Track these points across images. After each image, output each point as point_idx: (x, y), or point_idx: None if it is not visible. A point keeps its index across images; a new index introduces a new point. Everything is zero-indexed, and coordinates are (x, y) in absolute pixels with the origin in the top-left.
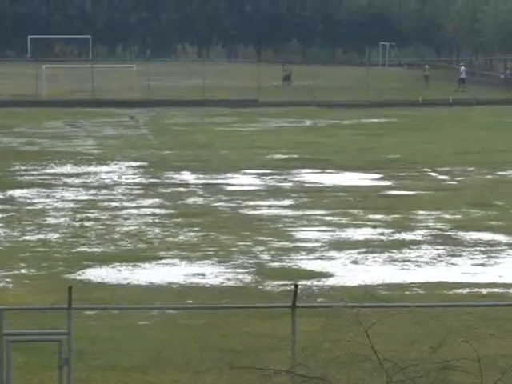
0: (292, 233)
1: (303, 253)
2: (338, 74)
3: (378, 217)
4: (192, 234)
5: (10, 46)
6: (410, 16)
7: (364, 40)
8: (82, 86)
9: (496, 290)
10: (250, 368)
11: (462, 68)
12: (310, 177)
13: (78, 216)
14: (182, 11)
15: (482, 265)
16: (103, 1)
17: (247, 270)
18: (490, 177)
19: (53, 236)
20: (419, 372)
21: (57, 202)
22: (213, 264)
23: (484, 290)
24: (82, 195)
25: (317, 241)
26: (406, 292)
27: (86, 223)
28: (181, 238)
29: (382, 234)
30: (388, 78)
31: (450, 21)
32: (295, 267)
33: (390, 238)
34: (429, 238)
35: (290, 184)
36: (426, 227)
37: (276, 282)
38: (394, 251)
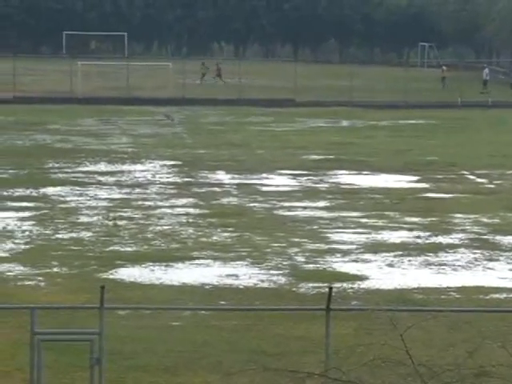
0: (327, 234)
1: (338, 255)
2: (376, 75)
3: (414, 219)
4: (226, 234)
5: (45, 42)
6: (450, 16)
7: (403, 40)
8: (116, 84)
9: None
10: (283, 370)
11: (486, 70)
12: (346, 178)
13: (111, 215)
14: (219, 9)
15: None
16: None
17: (281, 272)
18: None
19: (85, 234)
20: (454, 377)
21: (90, 200)
22: (246, 265)
23: None
24: (116, 194)
25: (352, 243)
26: (442, 296)
27: (119, 222)
28: (214, 238)
29: (418, 236)
30: (426, 79)
31: (490, 21)
32: (330, 269)
33: (427, 242)
34: (466, 241)
35: (326, 185)
36: (463, 231)
37: (310, 284)
38: (431, 255)
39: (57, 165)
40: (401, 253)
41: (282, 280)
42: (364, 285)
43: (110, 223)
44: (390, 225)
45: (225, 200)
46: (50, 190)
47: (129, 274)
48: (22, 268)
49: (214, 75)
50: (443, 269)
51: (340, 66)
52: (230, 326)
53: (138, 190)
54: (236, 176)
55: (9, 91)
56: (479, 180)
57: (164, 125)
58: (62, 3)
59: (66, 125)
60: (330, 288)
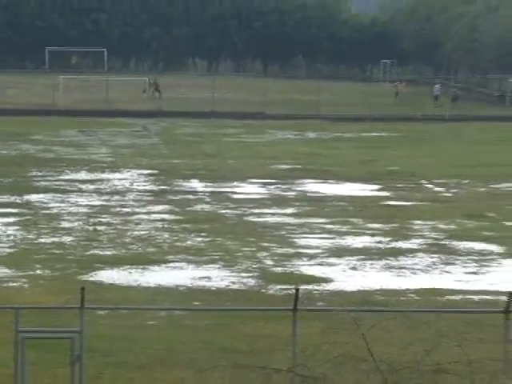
0: (294, 240)
1: (305, 259)
2: (342, 90)
3: (376, 226)
4: (199, 239)
5: (28, 57)
6: (411, 35)
7: (366, 57)
8: (96, 97)
9: (487, 297)
10: (252, 367)
11: (437, 86)
12: (313, 187)
13: (91, 220)
14: (194, 27)
15: (475, 273)
16: (118, 16)
17: (251, 275)
18: (483, 189)
19: (67, 239)
20: (413, 374)
21: (71, 206)
22: (218, 268)
23: (476, 297)
24: (95, 200)
25: (318, 247)
26: (402, 298)
27: (99, 227)
28: (188, 242)
29: (379, 242)
30: (388, 94)
31: (448, 39)
32: (297, 272)
33: (387, 246)
34: (424, 246)
35: (294, 193)
36: (422, 236)
37: (278, 286)
38: (391, 259)
39: (40, 173)
40: (363, 257)
41: (252, 282)
42: (329, 287)
43: (90, 228)
44: (353, 230)
45: (198, 207)
46: (34, 197)
47: (108, 276)
48: (6, 270)
49: (152, 90)
50: (403, 272)
51: (307, 82)
52: (202, 326)
53: (116, 197)
54: (209, 184)
55: None
56: (437, 189)
57: (141, 136)
58: (45, 21)
59: (49, 135)
60: (297, 290)
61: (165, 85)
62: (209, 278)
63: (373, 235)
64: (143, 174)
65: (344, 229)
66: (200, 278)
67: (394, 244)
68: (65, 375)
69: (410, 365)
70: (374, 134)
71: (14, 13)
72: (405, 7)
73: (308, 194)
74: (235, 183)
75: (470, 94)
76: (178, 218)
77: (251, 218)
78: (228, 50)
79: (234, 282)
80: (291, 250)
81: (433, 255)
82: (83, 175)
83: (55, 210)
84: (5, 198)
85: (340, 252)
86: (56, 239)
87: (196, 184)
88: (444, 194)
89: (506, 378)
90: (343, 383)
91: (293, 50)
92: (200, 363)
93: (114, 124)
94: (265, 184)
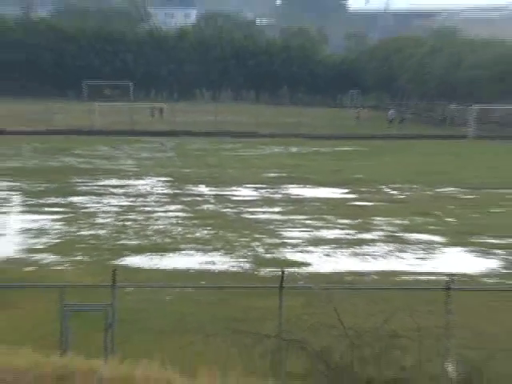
0: (280, 232)
1: (288, 247)
2: (318, 114)
3: (345, 221)
4: (205, 232)
5: (70, 88)
6: (373, 71)
7: (337, 88)
8: (124, 120)
9: (433, 277)
10: (248, 333)
11: (391, 111)
12: (295, 190)
13: (120, 217)
14: (201, 65)
15: (423, 258)
16: (141, 56)
17: (246, 260)
18: (429, 192)
19: (101, 232)
20: (374, 338)
21: (104, 206)
22: (221, 255)
23: (423, 278)
24: (124, 202)
25: (299, 238)
26: (365, 278)
27: (126, 222)
28: (197, 234)
29: (348, 234)
30: (353, 118)
31: (403, 73)
32: (283, 258)
33: (354, 238)
34: (383, 237)
35: (280, 195)
36: (381, 230)
37: (268, 269)
38: (357, 247)
39: (80, 180)
40: (335, 246)
41: (247, 266)
42: (308, 269)
43: (119, 223)
44: (327, 225)
45: (205, 206)
46: (75, 199)
47: (133, 261)
48: (53, 257)
49: (157, 113)
50: (366, 258)
51: (291, 108)
52: (208, 300)
53: (140, 199)
54: (213, 189)
55: (43, 125)
56: (393, 192)
57: (159, 150)
58: (83, 60)
59: (87, 150)
60: (283, 272)
61: (178, 110)
62: (213, 263)
63: (342, 229)
64: (161, 181)
65: (319, 224)
66: (206, 263)
67: (359, 236)
68: (100, 340)
69: (371, 331)
70: (343, 149)
71: (58, 53)
72: (367, 49)
73: (291, 196)
74: (233, 188)
75: (419, 117)
76: (188, 215)
77: (246, 215)
78: (228, 83)
79: (233, 266)
80: (278, 241)
81: (389, 244)
82: (114, 181)
83: (92, 209)
84: (52, 200)
85: (316, 242)
86: (93, 232)
87: (203, 188)
88: (398, 197)
89: (448, 342)
90: (319, 345)
91: (280, 82)
92: (206, 330)
93: (138, 141)
94: (257, 188)
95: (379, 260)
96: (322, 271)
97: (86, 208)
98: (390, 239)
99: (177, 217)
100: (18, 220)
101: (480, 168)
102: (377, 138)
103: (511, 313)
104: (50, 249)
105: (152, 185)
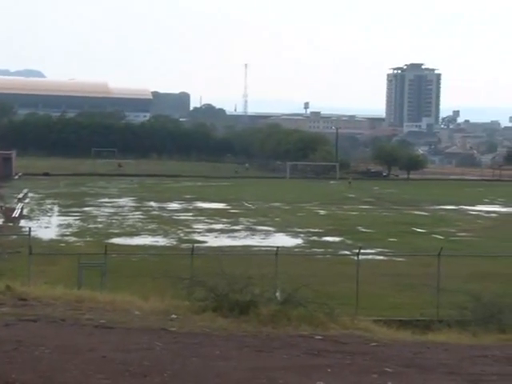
0: (192, 225)
1: (196, 233)
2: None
3: (225, 220)
4: (153, 225)
5: (86, 152)
6: (240, 144)
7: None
8: (113, 168)
9: (269, 248)
10: (175, 277)
11: (246, 165)
12: (201, 205)
13: (109, 218)
14: (151, 139)
15: (264, 239)
16: (121, 136)
17: (174, 239)
18: (266, 205)
19: (99, 225)
20: (240, 279)
21: (101, 213)
22: (162, 237)
23: (264, 248)
24: (111, 210)
25: (201, 229)
26: (238, 249)
27: (113, 221)
28: (149, 227)
29: (226, 226)
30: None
31: (254, 144)
32: (193, 239)
33: (230, 228)
34: (244, 228)
35: (191, 207)
36: (243, 224)
37: (185, 245)
38: (231, 233)
39: (88, 199)
40: (220, 233)
41: (174, 242)
42: (205, 245)
43: (108, 221)
44: (215, 222)
45: (154, 212)
46: (86, 209)
47: (117, 241)
48: (74, 238)
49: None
50: (236, 238)
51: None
52: (155, 260)
53: (120, 209)
54: (158, 203)
55: (70, 171)
56: (249, 205)
57: (130, 184)
58: (92, 138)
59: (92, 184)
60: (193, 245)
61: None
62: (157, 241)
63: (223, 224)
64: (131, 199)
65: (212, 221)
66: (154, 241)
67: (232, 227)
68: (98, 281)
69: (239, 276)
70: (223, 184)
71: (78, 135)
72: (236, 132)
73: (197, 207)
74: (168, 203)
75: (265, 167)
76: (144, 217)
77: (174, 217)
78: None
79: (167, 243)
80: (190, 230)
81: (248, 232)
82: (106, 199)
83: (95, 214)
84: (74, 209)
85: (210, 230)
86: (95, 225)
87: (153, 203)
88: (252, 208)
89: (276, 281)
90: (212, 283)
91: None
92: (153, 275)
93: (116, 180)
94: (181, 203)
95: (242, 239)
96: (213, 245)
97: (92, 213)
98: (248, 229)
99: (138, 218)
100: (56, 219)
101: (292, 192)
102: (238, 177)
103: (311, 265)
104: (72, 234)
105: (126, 201)
